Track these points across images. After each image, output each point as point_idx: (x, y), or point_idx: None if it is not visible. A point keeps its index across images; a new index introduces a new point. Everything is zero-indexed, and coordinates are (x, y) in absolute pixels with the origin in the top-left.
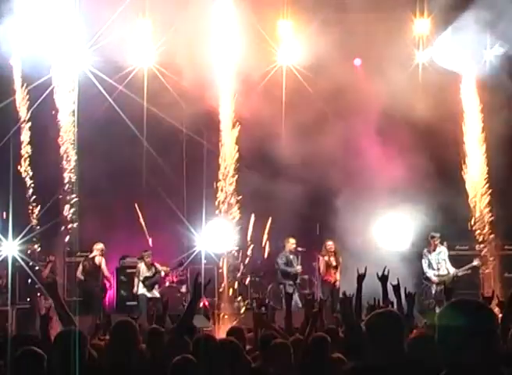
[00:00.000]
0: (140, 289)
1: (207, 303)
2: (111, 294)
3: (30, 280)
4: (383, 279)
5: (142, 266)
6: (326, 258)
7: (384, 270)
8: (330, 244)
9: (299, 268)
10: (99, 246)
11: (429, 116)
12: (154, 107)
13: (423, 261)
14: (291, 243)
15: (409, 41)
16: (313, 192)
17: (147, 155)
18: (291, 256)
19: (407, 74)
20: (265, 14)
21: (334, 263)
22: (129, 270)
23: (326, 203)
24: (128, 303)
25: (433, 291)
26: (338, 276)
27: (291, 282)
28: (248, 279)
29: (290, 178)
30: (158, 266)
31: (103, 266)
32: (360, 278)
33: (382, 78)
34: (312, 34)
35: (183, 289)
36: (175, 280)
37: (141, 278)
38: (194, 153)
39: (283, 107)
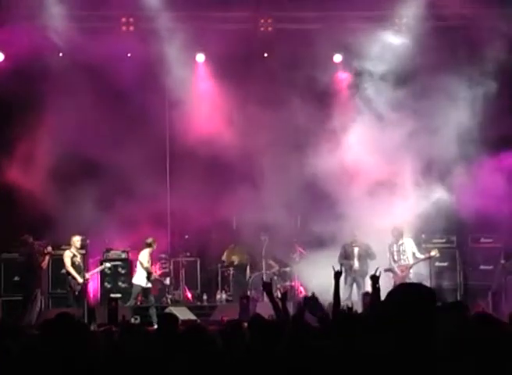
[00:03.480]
0: (142, 279)
1: (190, 295)
2: (94, 286)
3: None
4: (374, 278)
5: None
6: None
7: (376, 271)
8: (357, 233)
9: (355, 264)
10: (73, 239)
11: None
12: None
13: (388, 253)
14: (353, 235)
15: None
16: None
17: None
18: (355, 249)
19: None
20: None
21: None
22: (113, 263)
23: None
24: (112, 295)
25: (392, 282)
26: None
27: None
28: (231, 271)
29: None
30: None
31: (65, 260)
32: (337, 275)
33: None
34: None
35: (167, 281)
36: (158, 272)
37: (145, 266)
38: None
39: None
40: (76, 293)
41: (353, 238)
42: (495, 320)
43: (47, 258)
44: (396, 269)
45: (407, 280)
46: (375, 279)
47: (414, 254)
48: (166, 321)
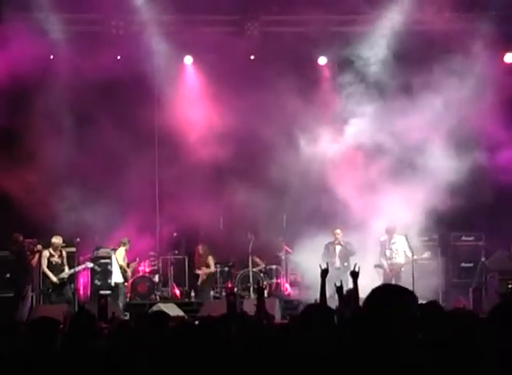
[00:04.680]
0: (119, 276)
1: (178, 292)
2: (84, 283)
3: None
4: (354, 274)
5: (123, 253)
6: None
7: (355, 267)
8: (338, 232)
9: (336, 262)
10: (52, 239)
11: None
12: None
13: (379, 250)
14: (334, 234)
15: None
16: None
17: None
18: (336, 247)
19: None
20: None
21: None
22: (103, 260)
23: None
24: (102, 292)
25: (382, 278)
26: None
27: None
28: (218, 268)
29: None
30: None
31: (41, 261)
32: (324, 273)
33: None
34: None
35: (156, 279)
36: (147, 270)
37: (120, 264)
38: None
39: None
40: (50, 290)
41: (334, 237)
42: (474, 317)
43: (37, 256)
44: (386, 267)
45: (398, 279)
46: (354, 275)
47: (405, 252)
48: (157, 318)
